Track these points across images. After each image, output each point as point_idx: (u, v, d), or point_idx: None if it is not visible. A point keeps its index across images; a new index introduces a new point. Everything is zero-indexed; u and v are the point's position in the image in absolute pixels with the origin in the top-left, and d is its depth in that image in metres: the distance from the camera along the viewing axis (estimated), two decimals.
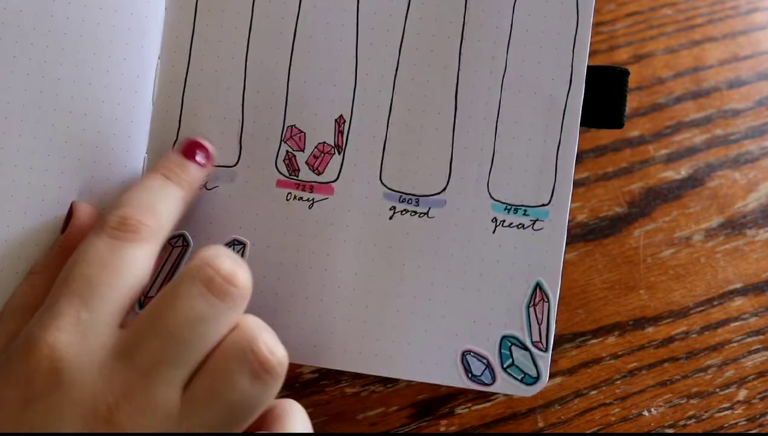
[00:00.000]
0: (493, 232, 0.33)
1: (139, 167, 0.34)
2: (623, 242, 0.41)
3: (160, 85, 0.34)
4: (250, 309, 0.29)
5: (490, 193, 0.33)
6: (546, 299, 0.33)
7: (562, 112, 0.33)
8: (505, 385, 0.33)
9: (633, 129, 0.43)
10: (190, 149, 0.33)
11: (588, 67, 0.33)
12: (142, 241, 0.28)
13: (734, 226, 0.42)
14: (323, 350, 0.33)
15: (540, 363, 0.33)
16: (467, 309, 0.33)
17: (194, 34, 0.34)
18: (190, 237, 0.34)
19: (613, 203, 0.42)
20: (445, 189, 0.33)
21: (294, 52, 0.34)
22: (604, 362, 0.40)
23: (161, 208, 0.30)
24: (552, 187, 0.33)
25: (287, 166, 0.34)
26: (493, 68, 0.33)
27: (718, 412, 0.39)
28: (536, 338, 0.33)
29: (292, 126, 0.34)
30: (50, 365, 0.26)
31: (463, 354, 0.33)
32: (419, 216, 0.33)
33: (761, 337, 0.40)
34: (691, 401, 0.39)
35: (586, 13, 0.32)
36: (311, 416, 0.37)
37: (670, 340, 0.40)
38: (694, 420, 0.39)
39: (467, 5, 0.33)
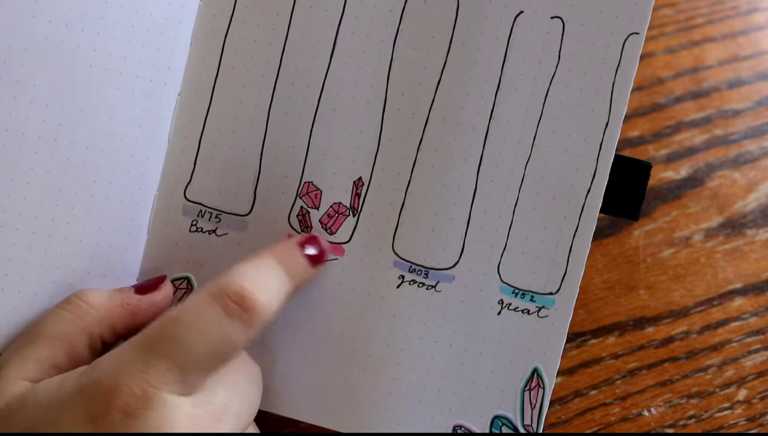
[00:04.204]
0: (498, 313, 0.33)
1: (148, 206, 0.33)
2: (623, 242, 0.42)
3: (178, 124, 0.33)
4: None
5: (499, 275, 0.33)
6: (542, 386, 0.33)
7: (582, 204, 0.32)
8: None
9: (633, 129, 0.43)
10: (309, 244, 0.32)
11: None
12: (252, 326, 0.28)
13: (734, 226, 0.42)
14: (315, 406, 0.34)
15: None
16: (463, 385, 0.33)
17: (218, 76, 0.33)
18: (194, 281, 0.34)
19: None
20: (455, 265, 0.33)
21: (319, 107, 0.33)
22: (604, 362, 0.40)
23: (273, 292, 0.29)
24: (562, 277, 0.33)
25: (300, 222, 0.34)
26: (518, 152, 0.33)
27: (718, 412, 0.39)
28: (528, 421, 0.33)
29: (309, 182, 0.33)
30: (125, 409, 0.26)
31: (454, 428, 0.33)
32: (427, 288, 0.33)
33: (761, 337, 0.40)
34: (691, 401, 0.39)
35: (618, 109, 0.32)
36: None
37: (670, 340, 0.40)
38: (694, 420, 0.39)
39: (500, 84, 0.33)
